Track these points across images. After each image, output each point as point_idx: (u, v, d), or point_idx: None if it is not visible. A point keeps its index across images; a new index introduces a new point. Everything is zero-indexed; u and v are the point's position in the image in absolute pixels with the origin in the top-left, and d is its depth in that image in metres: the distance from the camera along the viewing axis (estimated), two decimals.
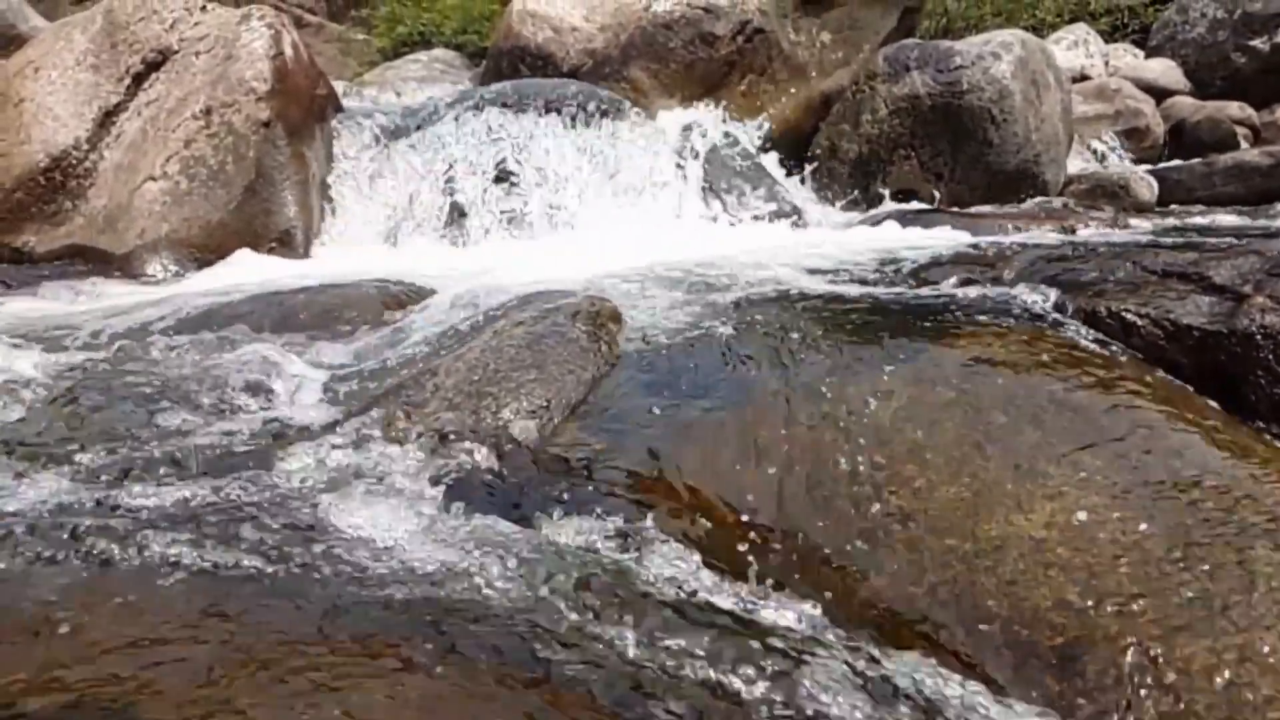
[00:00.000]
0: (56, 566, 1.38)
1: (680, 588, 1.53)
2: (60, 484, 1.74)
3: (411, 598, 1.37)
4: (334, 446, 1.95)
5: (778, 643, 1.41)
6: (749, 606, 1.53)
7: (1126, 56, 9.17)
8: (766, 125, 5.63)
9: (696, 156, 5.09)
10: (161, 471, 1.81)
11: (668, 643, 1.36)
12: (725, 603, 1.52)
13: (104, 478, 1.78)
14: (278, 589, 1.37)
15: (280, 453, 1.92)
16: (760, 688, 1.30)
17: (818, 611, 1.55)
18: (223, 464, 1.86)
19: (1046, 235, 4.23)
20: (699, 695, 1.26)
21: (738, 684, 1.31)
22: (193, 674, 1.13)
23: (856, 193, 5.56)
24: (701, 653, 1.34)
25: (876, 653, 1.44)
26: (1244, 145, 7.38)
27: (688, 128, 5.26)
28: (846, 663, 1.38)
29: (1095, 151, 7.17)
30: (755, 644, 1.40)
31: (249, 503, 1.67)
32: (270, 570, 1.43)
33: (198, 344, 2.64)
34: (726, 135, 5.32)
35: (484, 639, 1.28)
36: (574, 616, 1.39)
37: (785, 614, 1.53)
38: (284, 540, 1.51)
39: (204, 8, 4.86)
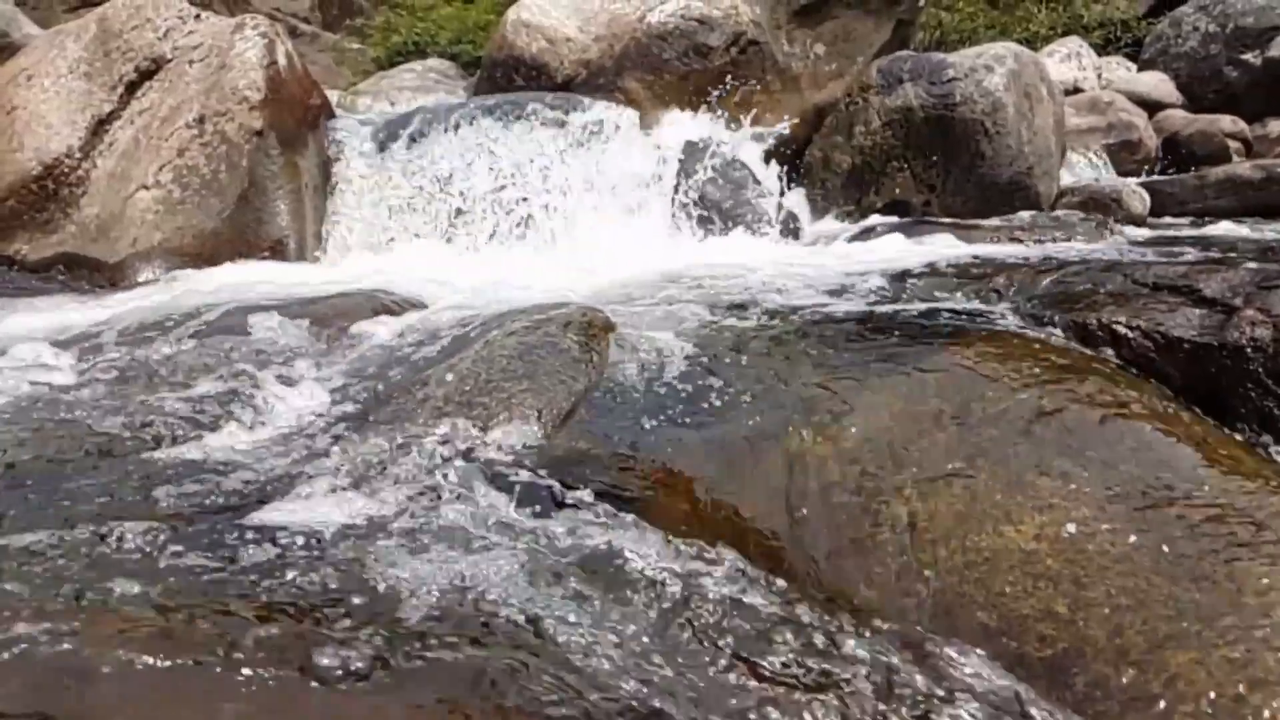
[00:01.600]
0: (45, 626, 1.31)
1: (670, 599, 1.53)
2: (36, 522, 1.64)
3: (396, 613, 1.37)
4: (323, 458, 1.95)
5: (765, 646, 1.41)
6: (740, 613, 1.52)
7: (1119, 70, 9.20)
8: (766, 136, 5.64)
9: (691, 168, 5.10)
10: (143, 501, 1.76)
11: (658, 658, 1.36)
12: (716, 610, 1.52)
13: (83, 509, 1.72)
14: (262, 611, 1.36)
15: (266, 467, 1.91)
16: (745, 685, 1.30)
17: (804, 615, 1.54)
18: (206, 483, 1.84)
19: (1038, 247, 4.24)
20: (680, 690, 1.26)
21: (724, 680, 1.31)
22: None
23: (850, 204, 5.57)
24: (688, 655, 1.34)
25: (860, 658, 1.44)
26: (1236, 158, 7.40)
27: (683, 140, 5.27)
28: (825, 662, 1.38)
29: (1090, 163, 7.18)
30: (744, 647, 1.40)
31: (235, 520, 1.66)
32: (257, 592, 1.42)
33: (186, 357, 2.63)
34: (721, 146, 5.32)
35: (477, 659, 1.28)
36: (566, 633, 1.38)
37: (773, 618, 1.53)
38: (270, 562, 1.50)
39: (198, 16, 4.85)
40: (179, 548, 1.52)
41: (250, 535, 1.59)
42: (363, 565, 1.48)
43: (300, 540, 1.58)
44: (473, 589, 1.44)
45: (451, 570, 1.49)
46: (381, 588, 1.42)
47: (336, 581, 1.43)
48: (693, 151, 5.17)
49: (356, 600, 1.37)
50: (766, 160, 5.52)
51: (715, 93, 5.61)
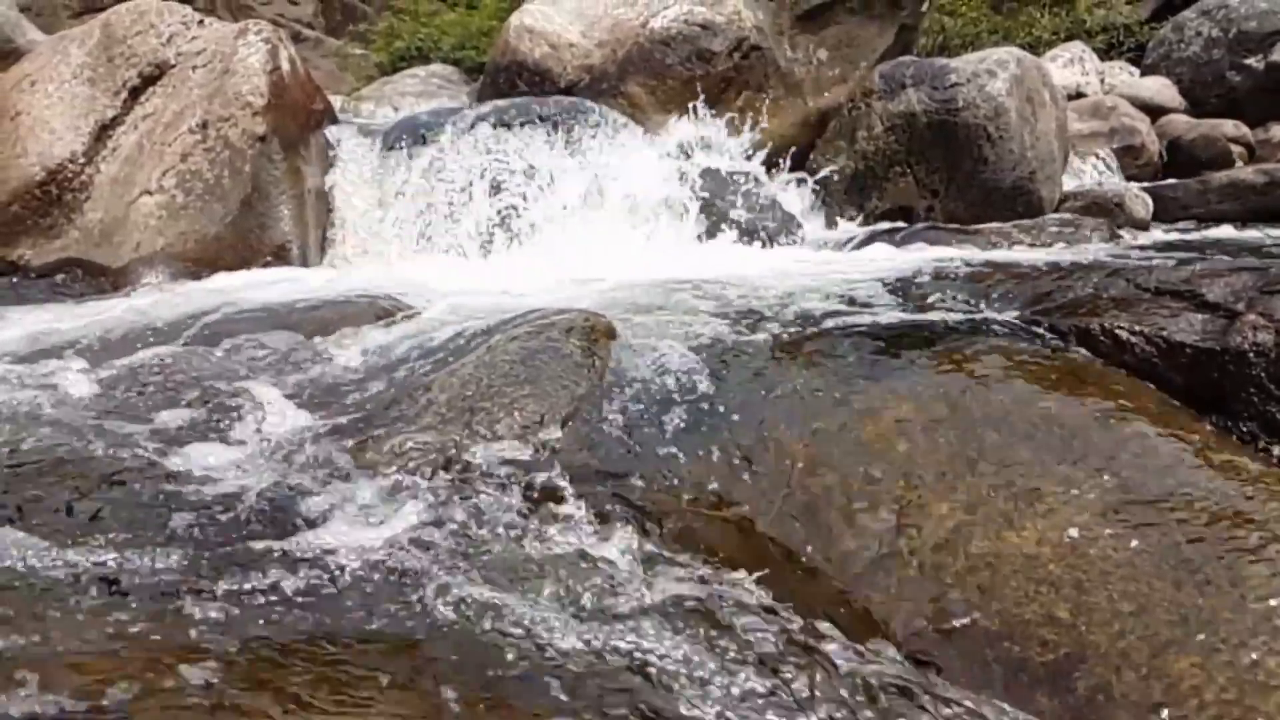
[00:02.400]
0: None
1: (676, 605, 1.52)
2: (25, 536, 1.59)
3: (401, 622, 1.36)
4: (333, 474, 1.95)
5: (770, 654, 1.41)
6: (747, 622, 1.52)
7: (1122, 74, 9.20)
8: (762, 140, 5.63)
9: (694, 174, 5.09)
10: (161, 528, 1.71)
11: (662, 659, 1.36)
12: (725, 621, 1.52)
13: (96, 537, 1.66)
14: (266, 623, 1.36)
15: (277, 484, 1.90)
16: (749, 694, 1.30)
17: (809, 622, 1.54)
18: (218, 504, 1.83)
19: (1041, 252, 4.24)
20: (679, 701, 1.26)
21: (729, 689, 1.31)
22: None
23: (852, 209, 5.57)
24: (689, 664, 1.34)
25: (867, 664, 1.44)
26: (1239, 163, 7.40)
27: (686, 145, 5.26)
28: (829, 670, 1.38)
29: (1095, 168, 7.18)
30: (750, 655, 1.40)
31: (262, 546, 1.64)
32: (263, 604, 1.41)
33: (187, 366, 2.62)
34: (724, 152, 5.33)
35: (481, 662, 1.28)
36: (568, 635, 1.38)
37: (779, 626, 1.53)
38: (276, 575, 1.49)
39: (201, 22, 4.86)
40: (217, 580, 1.47)
41: (287, 565, 1.54)
42: (426, 600, 1.44)
43: (346, 572, 1.53)
44: (567, 635, 1.39)
45: (529, 612, 1.43)
46: (464, 628, 1.37)
47: (415, 621, 1.38)
48: (690, 152, 5.17)
49: (458, 646, 1.32)
50: (771, 170, 5.52)
51: (718, 98, 5.61)
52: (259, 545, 1.61)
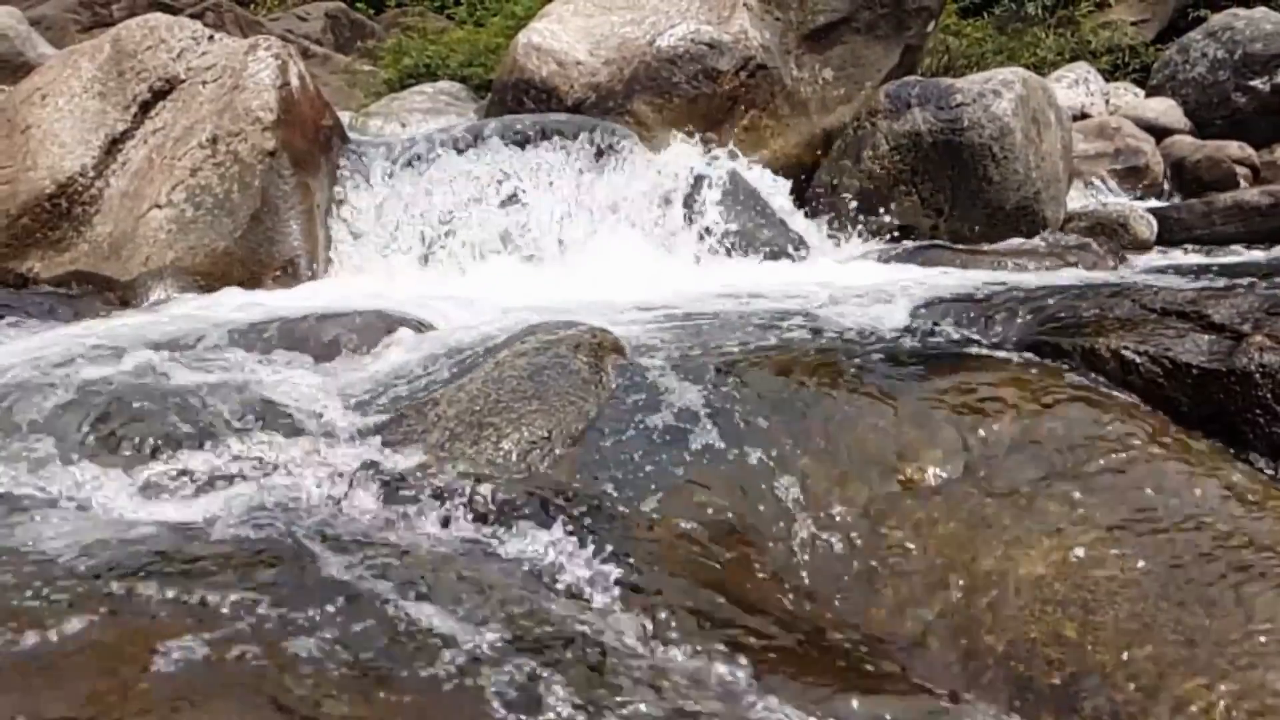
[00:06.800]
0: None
1: (682, 627, 1.53)
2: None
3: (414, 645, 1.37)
4: (335, 483, 1.95)
5: (779, 672, 1.41)
6: (756, 638, 1.53)
7: (1127, 95, 9.21)
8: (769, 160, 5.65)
9: (699, 191, 5.10)
10: (155, 527, 1.73)
11: (662, 685, 1.36)
12: (731, 634, 1.52)
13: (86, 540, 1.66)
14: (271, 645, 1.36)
15: (276, 489, 1.91)
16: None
17: (817, 641, 1.55)
18: (221, 502, 1.83)
19: (1046, 272, 4.25)
20: None
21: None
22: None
23: (858, 228, 5.57)
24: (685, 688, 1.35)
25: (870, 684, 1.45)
26: (1244, 185, 7.40)
27: (691, 162, 5.27)
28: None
29: (1095, 189, 7.19)
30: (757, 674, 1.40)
31: (247, 551, 1.65)
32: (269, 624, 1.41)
33: (196, 375, 2.63)
34: (729, 170, 5.33)
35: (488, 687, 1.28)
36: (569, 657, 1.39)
37: (786, 644, 1.53)
38: (285, 589, 1.50)
39: (211, 38, 4.88)
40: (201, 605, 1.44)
41: (284, 588, 1.50)
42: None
43: (346, 596, 1.49)
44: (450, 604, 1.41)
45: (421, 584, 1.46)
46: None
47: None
48: (695, 170, 5.18)
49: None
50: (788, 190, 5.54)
51: (723, 116, 5.62)
52: (261, 570, 1.60)
